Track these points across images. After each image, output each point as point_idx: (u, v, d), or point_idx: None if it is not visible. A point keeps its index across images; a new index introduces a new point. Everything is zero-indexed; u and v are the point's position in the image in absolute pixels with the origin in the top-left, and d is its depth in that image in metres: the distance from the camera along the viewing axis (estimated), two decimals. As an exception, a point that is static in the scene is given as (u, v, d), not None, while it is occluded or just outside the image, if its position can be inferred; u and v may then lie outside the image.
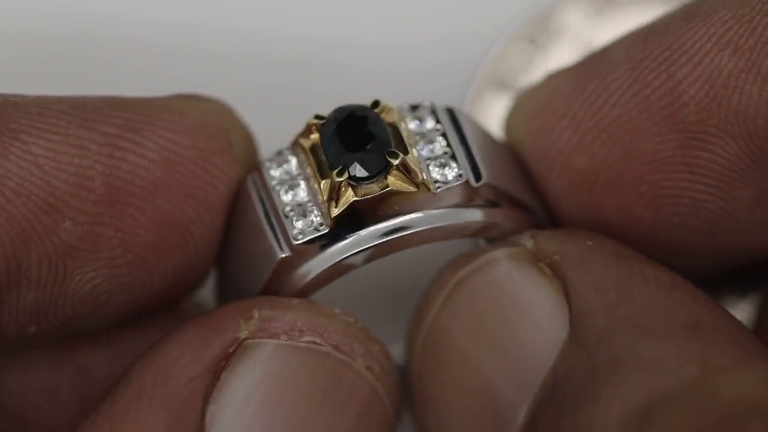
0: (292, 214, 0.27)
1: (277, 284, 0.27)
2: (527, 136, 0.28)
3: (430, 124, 0.27)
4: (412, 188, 0.26)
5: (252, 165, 0.28)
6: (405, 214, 0.27)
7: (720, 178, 0.26)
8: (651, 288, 0.25)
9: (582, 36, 0.34)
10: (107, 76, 0.32)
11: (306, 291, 0.27)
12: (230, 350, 0.26)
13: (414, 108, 0.27)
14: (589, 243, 0.26)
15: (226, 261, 0.28)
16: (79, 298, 0.27)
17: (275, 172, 0.27)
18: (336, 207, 0.26)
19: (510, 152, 0.29)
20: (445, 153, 0.27)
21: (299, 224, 0.27)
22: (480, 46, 0.34)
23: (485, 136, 0.28)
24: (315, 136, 0.27)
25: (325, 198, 0.26)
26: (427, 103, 0.27)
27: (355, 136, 0.26)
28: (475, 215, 0.27)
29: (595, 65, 0.27)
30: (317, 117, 0.27)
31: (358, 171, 0.26)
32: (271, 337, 0.26)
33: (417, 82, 0.34)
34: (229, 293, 0.29)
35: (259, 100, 0.30)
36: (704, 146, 0.26)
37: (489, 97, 0.34)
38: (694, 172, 0.27)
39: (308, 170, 0.27)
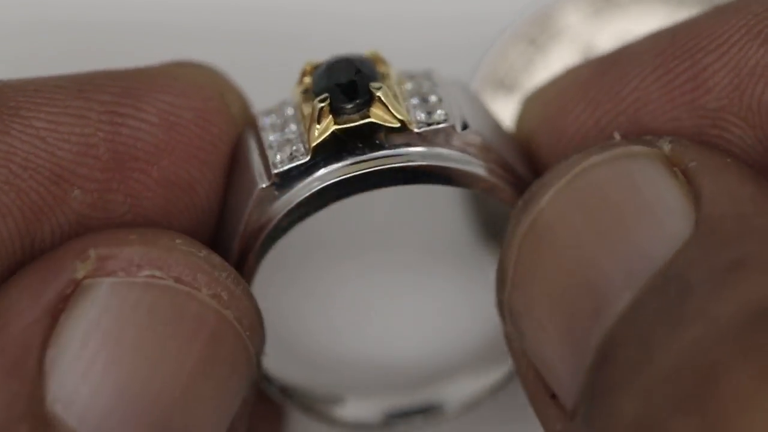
0: (275, 144, 0.27)
1: (259, 216, 0.27)
2: (541, 123, 0.28)
3: (426, 85, 0.28)
4: (394, 122, 0.26)
5: (246, 122, 0.28)
6: (385, 149, 0.27)
7: None
8: None
9: (582, 36, 0.34)
10: (98, 58, 0.32)
11: (285, 223, 0.27)
12: (68, 292, 0.26)
13: (413, 74, 0.28)
14: (729, 160, 0.26)
15: (223, 208, 0.29)
16: None
17: (268, 118, 0.28)
18: (316, 137, 0.26)
19: (506, 132, 0.29)
20: (438, 100, 0.27)
21: (280, 155, 0.27)
22: (479, 46, 0.34)
23: (483, 110, 0.29)
24: (308, 79, 0.27)
25: (306, 127, 0.27)
26: (427, 69, 0.28)
27: (344, 69, 0.27)
28: (454, 157, 0.27)
29: (618, 55, 0.28)
30: (311, 65, 0.27)
31: (341, 99, 0.26)
32: (108, 275, 0.26)
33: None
34: (222, 234, 0.29)
35: (253, 75, 0.30)
36: (721, 134, 0.27)
37: (488, 98, 0.34)
38: None
39: (298, 114, 0.27)
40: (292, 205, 0.27)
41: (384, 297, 0.34)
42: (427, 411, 0.31)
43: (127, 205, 0.27)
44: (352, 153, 0.27)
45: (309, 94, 0.27)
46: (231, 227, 0.28)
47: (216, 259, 0.27)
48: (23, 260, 0.26)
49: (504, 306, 0.27)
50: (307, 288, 0.34)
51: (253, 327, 0.27)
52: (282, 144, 0.27)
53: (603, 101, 0.27)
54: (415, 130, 0.27)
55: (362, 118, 0.26)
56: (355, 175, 0.27)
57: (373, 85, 0.27)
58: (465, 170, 0.27)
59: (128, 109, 0.27)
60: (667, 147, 0.26)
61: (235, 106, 0.28)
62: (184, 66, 0.29)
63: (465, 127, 0.27)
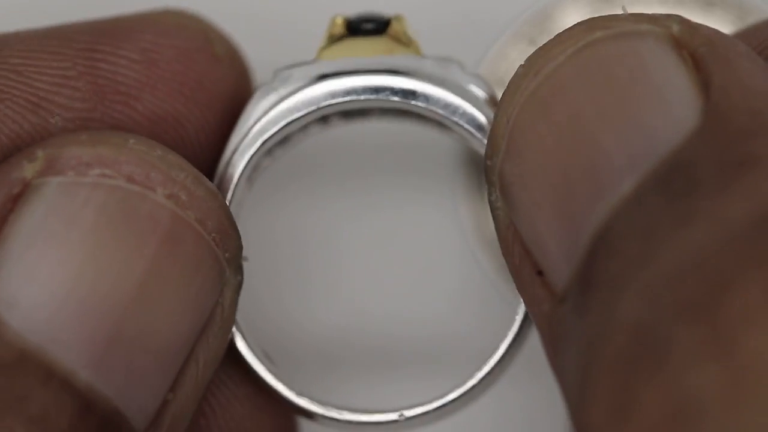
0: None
1: (255, 110, 0.28)
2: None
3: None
4: (405, 44, 0.28)
5: (236, 65, 0.29)
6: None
7: None
8: None
9: (582, 36, 0.34)
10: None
11: (280, 118, 0.28)
12: (15, 192, 0.25)
13: None
14: (741, 49, 0.25)
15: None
16: None
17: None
18: (326, 41, 0.28)
19: None
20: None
21: (288, 69, 0.28)
22: (479, 46, 0.34)
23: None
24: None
25: (323, 42, 0.28)
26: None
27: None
28: (451, 84, 0.28)
29: None
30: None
31: (359, 20, 0.28)
32: (56, 174, 0.25)
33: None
34: None
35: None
36: None
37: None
38: None
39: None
40: (288, 104, 0.28)
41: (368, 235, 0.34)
42: None
43: None
44: (358, 59, 0.28)
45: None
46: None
47: (174, 158, 0.26)
48: None
49: (493, 172, 0.26)
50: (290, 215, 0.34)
51: (222, 229, 0.27)
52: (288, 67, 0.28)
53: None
54: (421, 54, 0.28)
55: (375, 39, 0.28)
56: (354, 78, 0.27)
57: (393, 18, 0.28)
58: (455, 104, 0.28)
59: (107, 47, 0.27)
60: (676, 27, 0.26)
61: (220, 45, 0.29)
62: (167, 12, 0.29)
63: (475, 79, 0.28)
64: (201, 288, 0.26)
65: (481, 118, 0.28)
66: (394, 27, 0.28)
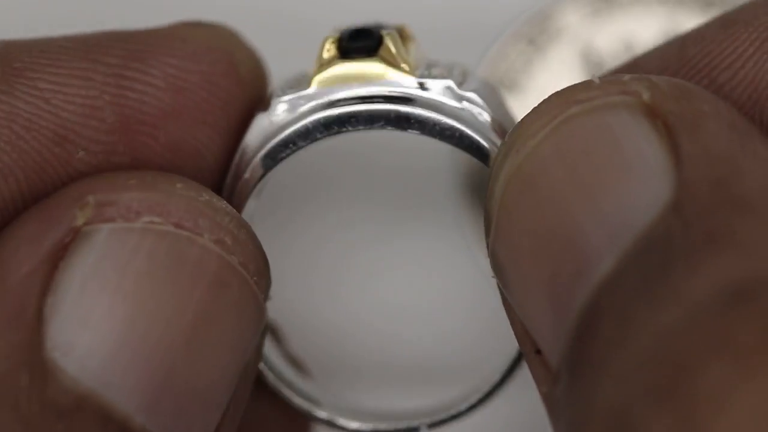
0: (281, 88, 0.28)
1: (255, 141, 0.28)
2: None
3: (437, 69, 0.28)
4: (398, 67, 0.27)
5: (259, 86, 0.28)
6: (383, 86, 0.27)
7: None
8: (761, 167, 0.24)
9: (581, 36, 0.34)
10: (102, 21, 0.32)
11: (280, 150, 0.27)
12: (67, 240, 0.25)
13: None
14: (706, 108, 0.25)
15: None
16: None
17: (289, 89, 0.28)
18: (319, 68, 0.27)
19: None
20: (445, 66, 0.28)
21: (286, 95, 0.27)
22: (478, 46, 0.34)
23: (497, 92, 0.29)
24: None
25: (315, 67, 0.27)
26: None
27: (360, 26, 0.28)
28: (447, 109, 0.27)
29: (630, 70, 0.27)
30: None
31: (350, 38, 0.27)
32: (106, 221, 0.26)
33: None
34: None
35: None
36: None
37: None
38: None
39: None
40: (287, 130, 0.27)
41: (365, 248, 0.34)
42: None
43: (133, 168, 0.27)
44: (350, 87, 0.27)
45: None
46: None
47: (219, 203, 0.27)
48: None
49: (489, 253, 0.27)
50: (290, 237, 0.34)
51: (260, 272, 0.27)
52: (288, 85, 0.28)
53: None
54: (415, 76, 0.27)
55: (369, 61, 0.27)
56: (348, 109, 0.27)
57: (385, 30, 0.27)
58: (452, 125, 0.27)
59: (134, 72, 0.27)
60: (646, 94, 0.26)
61: (245, 66, 0.28)
62: (193, 26, 0.28)
63: (472, 89, 0.27)
64: (245, 331, 0.27)
65: (481, 144, 0.27)
66: (387, 46, 0.27)
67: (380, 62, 0.27)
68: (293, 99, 0.27)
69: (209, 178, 0.28)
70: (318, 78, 0.27)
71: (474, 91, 0.27)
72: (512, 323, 0.27)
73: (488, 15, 0.34)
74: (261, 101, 0.28)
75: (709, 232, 0.23)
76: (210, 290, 0.26)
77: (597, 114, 0.26)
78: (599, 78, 0.26)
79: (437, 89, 0.27)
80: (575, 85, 0.26)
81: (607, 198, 0.25)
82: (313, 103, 0.27)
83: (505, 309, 0.27)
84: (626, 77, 0.26)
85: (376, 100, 0.27)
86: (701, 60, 0.27)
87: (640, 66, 0.28)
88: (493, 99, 0.28)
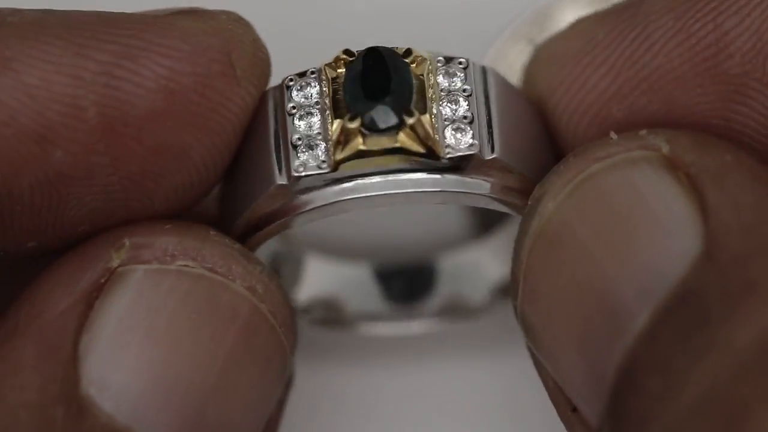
0: (299, 143, 0.27)
1: (267, 209, 0.27)
2: (558, 86, 0.28)
3: (458, 82, 0.27)
4: (420, 149, 0.26)
5: (259, 82, 0.28)
6: (409, 172, 0.27)
7: (756, 133, 0.26)
8: None
9: (581, 36, 0.34)
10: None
11: (290, 222, 0.27)
12: (102, 281, 0.26)
13: (448, 61, 0.27)
14: (728, 158, 0.26)
15: (233, 169, 0.28)
16: (76, 220, 0.27)
17: (296, 96, 0.27)
18: (342, 151, 0.26)
19: (538, 119, 0.28)
20: (465, 117, 0.27)
21: (303, 156, 0.27)
22: (480, 45, 0.34)
23: (514, 102, 0.28)
24: (341, 70, 0.27)
25: (333, 138, 0.26)
26: (462, 60, 0.27)
27: (378, 82, 0.26)
28: (480, 187, 0.27)
29: (635, 14, 0.27)
30: (346, 52, 0.27)
31: (371, 122, 0.26)
32: (142, 263, 0.26)
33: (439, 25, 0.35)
34: (226, 202, 0.29)
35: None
36: (744, 100, 0.26)
37: (513, 53, 0.34)
38: (733, 126, 0.26)
39: (326, 101, 0.27)
40: (303, 210, 0.27)
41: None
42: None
43: (113, 167, 0.26)
44: (374, 172, 0.27)
45: (339, 87, 0.27)
46: (236, 200, 0.28)
47: (250, 252, 0.27)
48: (0, 210, 0.26)
49: (518, 314, 0.27)
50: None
51: (287, 324, 0.27)
52: (306, 143, 0.27)
53: (623, 69, 0.27)
54: (442, 157, 0.27)
55: (390, 143, 0.26)
56: (371, 196, 0.27)
57: (407, 111, 0.26)
58: (480, 195, 0.27)
59: (125, 72, 0.26)
60: (666, 148, 0.26)
61: (244, 65, 0.27)
62: (192, 18, 0.27)
63: (492, 150, 0.27)
64: (271, 379, 0.27)
65: (497, 196, 0.28)
66: (410, 125, 0.26)
67: (403, 145, 0.26)
68: (315, 177, 0.27)
69: (195, 175, 0.27)
70: (339, 158, 0.26)
71: (501, 146, 0.27)
72: (544, 382, 0.27)
73: (488, 15, 0.35)
74: (262, 110, 0.27)
75: (746, 279, 0.23)
76: (241, 336, 0.26)
77: (618, 170, 0.26)
78: (616, 134, 0.27)
79: (463, 166, 0.27)
80: (593, 143, 0.27)
81: (636, 253, 0.25)
82: (338, 189, 0.27)
83: (536, 368, 0.27)
84: (643, 132, 0.26)
85: (395, 195, 0.27)
86: (708, 4, 0.26)
87: (646, 8, 0.27)
88: (502, 97, 0.28)
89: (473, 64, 0.27)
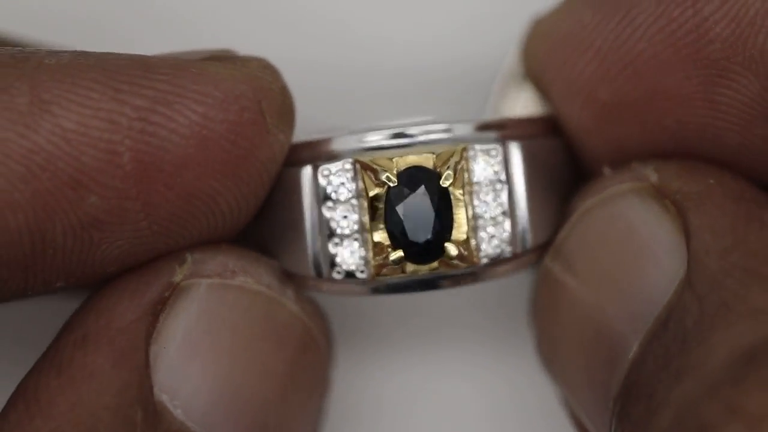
0: (336, 241, 0.28)
1: (300, 281, 0.28)
2: (550, 67, 0.29)
3: (490, 172, 0.28)
4: (458, 266, 0.27)
5: (287, 130, 0.28)
6: (446, 278, 0.28)
7: (741, 115, 0.27)
8: (767, 234, 0.25)
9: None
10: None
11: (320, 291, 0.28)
12: (166, 294, 0.27)
13: (481, 150, 0.28)
14: (712, 181, 0.27)
15: (263, 222, 0.29)
16: (106, 262, 0.27)
17: (331, 185, 0.28)
18: (381, 274, 0.27)
19: (565, 162, 0.29)
20: (503, 213, 0.28)
21: (340, 259, 0.28)
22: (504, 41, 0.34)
23: (545, 174, 0.29)
24: (382, 190, 0.27)
25: (373, 259, 0.27)
26: (494, 148, 0.28)
27: (419, 216, 0.27)
28: (509, 266, 0.28)
29: None
30: (388, 178, 0.27)
31: (413, 257, 0.27)
32: (204, 277, 0.27)
33: (442, 80, 0.35)
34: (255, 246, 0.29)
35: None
36: (728, 83, 0.27)
37: (514, 93, 0.34)
38: (717, 108, 0.27)
39: (363, 202, 0.28)
40: (339, 294, 0.28)
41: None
42: None
43: (144, 213, 0.27)
44: (412, 285, 0.28)
45: (380, 209, 0.27)
46: (265, 252, 0.29)
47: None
48: (32, 254, 0.26)
49: (537, 353, 0.28)
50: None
51: (329, 344, 0.28)
52: (343, 241, 0.27)
53: (610, 52, 0.28)
54: (478, 263, 0.27)
55: (430, 270, 0.27)
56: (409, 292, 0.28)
57: (447, 246, 0.27)
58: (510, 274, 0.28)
59: (161, 117, 0.26)
60: (654, 177, 0.27)
61: (273, 113, 0.27)
62: (224, 64, 0.27)
63: (526, 243, 0.28)
64: (320, 396, 0.28)
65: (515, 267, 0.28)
66: (448, 253, 0.27)
67: (443, 270, 0.27)
68: (353, 281, 0.27)
69: (221, 222, 0.28)
70: (379, 274, 0.27)
71: (535, 236, 0.28)
72: (567, 413, 0.28)
73: (512, 10, 0.34)
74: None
75: (721, 301, 0.24)
76: (296, 352, 0.28)
77: (610, 204, 0.27)
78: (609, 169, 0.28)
79: (499, 266, 0.28)
80: (592, 181, 0.28)
81: (628, 283, 0.26)
82: (375, 295, 0.28)
83: (561, 401, 0.29)
84: (634, 164, 0.27)
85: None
86: None
87: None
88: (534, 177, 0.28)
89: (505, 147, 0.28)
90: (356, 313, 0.34)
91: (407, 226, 0.27)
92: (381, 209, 0.27)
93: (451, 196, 0.27)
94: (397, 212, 0.27)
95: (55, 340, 0.27)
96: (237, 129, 0.27)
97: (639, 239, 0.26)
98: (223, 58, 0.28)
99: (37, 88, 0.25)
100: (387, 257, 0.27)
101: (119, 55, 0.27)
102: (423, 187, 0.27)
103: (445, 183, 0.27)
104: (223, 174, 0.27)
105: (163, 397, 0.26)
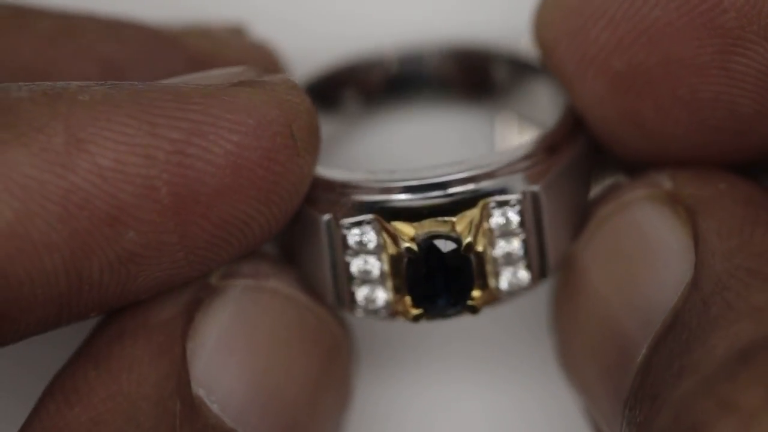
0: (358, 283, 0.28)
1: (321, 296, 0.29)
2: (563, 37, 0.28)
3: (503, 220, 0.28)
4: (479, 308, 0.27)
5: (316, 151, 0.28)
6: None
7: (756, 83, 0.27)
8: None
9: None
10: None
11: None
12: (201, 295, 0.27)
13: (501, 204, 0.27)
14: (722, 186, 0.27)
15: (285, 237, 0.29)
16: (140, 291, 0.27)
17: (352, 236, 0.28)
18: (401, 313, 0.27)
19: (575, 215, 0.29)
20: (521, 257, 0.28)
21: (362, 298, 0.28)
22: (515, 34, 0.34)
23: (565, 200, 0.29)
24: (401, 261, 0.27)
25: (393, 306, 0.27)
26: (514, 199, 0.27)
27: (439, 282, 0.27)
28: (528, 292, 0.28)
29: None
30: (408, 249, 0.27)
31: (435, 314, 0.27)
32: (241, 277, 0.28)
33: None
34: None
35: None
36: (743, 52, 0.27)
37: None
38: (732, 77, 0.27)
39: (384, 256, 0.27)
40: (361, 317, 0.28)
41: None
42: None
43: (180, 245, 0.27)
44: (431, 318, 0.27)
45: (401, 264, 0.27)
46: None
47: None
48: (69, 292, 0.26)
49: (559, 363, 0.29)
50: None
51: (355, 355, 0.29)
52: (364, 282, 0.28)
53: (624, 20, 0.27)
54: (499, 299, 0.27)
55: (454, 314, 0.27)
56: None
57: (469, 304, 0.27)
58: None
59: (197, 149, 0.26)
60: (668, 184, 0.27)
61: (303, 135, 0.27)
62: (255, 88, 0.27)
63: (545, 273, 0.28)
64: (345, 404, 0.29)
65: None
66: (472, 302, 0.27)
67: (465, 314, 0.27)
68: (373, 315, 0.27)
69: (252, 245, 0.28)
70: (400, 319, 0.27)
71: (554, 267, 0.28)
72: (588, 421, 0.29)
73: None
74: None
75: (724, 303, 0.25)
76: (325, 358, 0.28)
77: (624, 211, 0.27)
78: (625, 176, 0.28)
79: (517, 292, 0.28)
80: (608, 187, 0.28)
81: (638, 289, 0.26)
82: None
83: (583, 412, 0.29)
84: (650, 171, 0.28)
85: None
86: None
87: None
88: (553, 220, 0.28)
89: (526, 196, 0.27)
90: (370, 331, 0.33)
91: (428, 292, 0.27)
92: (403, 273, 0.27)
93: (472, 257, 0.27)
94: (418, 281, 0.27)
95: (90, 337, 0.27)
96: (270, 155, 0.27)
97: (650, 245, 0.27)
98: (252, 83, 0.27)
99: (73, 128, 0.25)
100: (408, 313, 0.27)
101: (151, 85, 0.27)
102: (444, 255, 0.27)
103: (464, 242, 0.27)
104: (257, 200, 0.27)
105: (201, 392, 0.26)
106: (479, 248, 0.27)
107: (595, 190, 0.30)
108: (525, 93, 0.33)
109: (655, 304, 0.26)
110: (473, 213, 0.27)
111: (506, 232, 0.27)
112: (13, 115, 0.25)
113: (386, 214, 0.27)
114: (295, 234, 0.29)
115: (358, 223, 0.28)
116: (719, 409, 0.23)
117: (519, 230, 0.28)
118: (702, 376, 0.24)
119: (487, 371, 0.33)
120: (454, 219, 0.27)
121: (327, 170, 0.28)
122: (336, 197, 0.28)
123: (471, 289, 0.27)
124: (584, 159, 0.29)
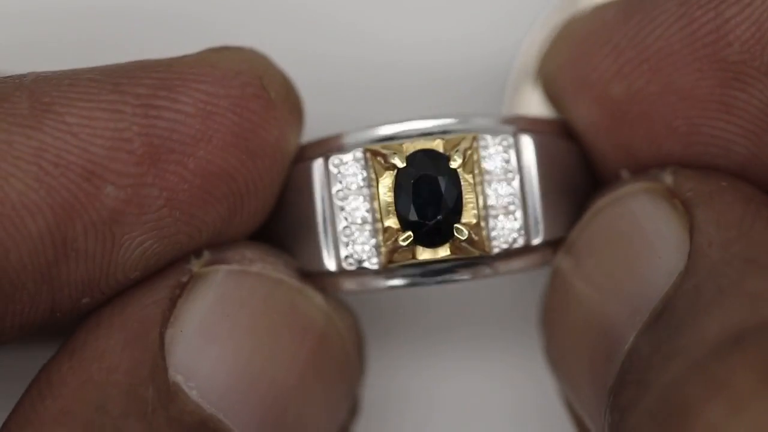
0: (348, 233, 0.27)
1: (316, 279, 0.28)
2: (566, 64, 0.29)
3: (501, 160, 0.28)
4: (470, 253, 0.27)
5: (293, 107, 0.28)
6: (459, 269, 0.27)
7: (755, 121, 0.27)
8: None
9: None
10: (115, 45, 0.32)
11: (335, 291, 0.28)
12: (184, 280, 0.27)
13: (492, 140, 0.28)
14: (724, 183, 0.27)
15: (278, 227, 0.29)
16: (129, 265, 0.27)
17: (341, 178, 0.27)
18: (392, 254, 0.27)
19: (578, 161, 0.29)
20: (512, 204, 0.27)
21: (351, 248, 0.27)
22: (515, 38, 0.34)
23: (558, 164, 0.28)
24: (390, 177, 0.27)
25: (384, 246, 0.27)
26: (507, 139, 0.28)
27: (429, 201, 0.27)
28: (531, 264, 0.28)
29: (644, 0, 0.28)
30: (397, 161, 0.27)
31: (423, 241, 0.27)
32: (223, 263, 0.27)
33: (457, 78, 0.34)
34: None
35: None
36: (743, 87, 0.27)
37: (528, 91, 0.34)
38: (731, 112, 0.27)
39: (374, 191, 0.27)
40: (351, 290, 0.28)
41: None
42: None
43: (163, 198, 0.27)
44: (425, 275, 0.27)
45: (387, 190, 0.27)
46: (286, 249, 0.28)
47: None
48: (56, 261, 0.26)
49: (544, 354, 0.28)
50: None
51: (356, 347, 0.28)
52: (354, 232, 0.27)
53: (626, 48, 0.27)
54: (490, 253, 0.27)
55: (442, 252, 0.27)
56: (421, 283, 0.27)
57: (457, 229, 0.27)
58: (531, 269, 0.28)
59: (164, 101, 0.26)
60: (669, 180, 0.27)
61: (275, 88, 0.28)
62: (220, 51, 0.28)
63: (539, 231, 0.27)
64: (340, 395, 0.28)
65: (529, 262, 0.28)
66: (457, 239, 0.27)
67: (453, 255, 0.27)
68: (365, 270, 0.27)
69: (242, 200, 0.28)
70: (389, 264, 0.27)
71: (547, 228, 0.28)
72: (569, 414, 0.28)
73: (522, 6, 0.34)
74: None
75: (718, 288, 0.24)
76: (317, 344, 0.27)
77: (620, 203, 0.27)
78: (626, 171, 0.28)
79: (511, 257, 0.27)
80: (610, 184, 0.28)
81: (628, 279, 0.26)
82: (388, 283, 0.28)
83: (563, 402, 0.29)
84: (654, 170, 0.27)
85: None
86: None
87: None
88: (546, 169, 0.28)
89: (517, 138, 0.28)
90: (375, 314, 0.33)
91: (416, 205, 0.27)
92: (392, 200, 0.27)
93: (462, 181, 0.27)
94: (406, 193, 0.27)
95: (72, 332, 0.27)
96: (241, 102, 0.27)
97: (643, 235, 0.27)
98: (217, 48, 0.28)
99: (37, 93, 0.26)
100: (397, 241, 0.27)
101: (115, 63, 0.27)
102: (432, 167, 0.27)
103: (453, 164, 0.27)
104: (235, 148, 0.27)
105: (178, 378, 0.26)
106: (468, 175, 0.27)
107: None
108: None
109: (644, 294, 0.26)
110: (463, 139, 0.27)
111: (496, 171, 0.28)
112: None
113: (376, 145, 0.28)
114: (287, 212, 0.29)
115: (349, 161, 0.28)
116: (709, 391, 0.23)
117: (509, 172, 0.28)
118: (692, 358, 0.23)
119: (483, 349, 0.34)
120: (443, 140, 0.27)
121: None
122: (327, 147, 0.28)
123: (461, 210, 0.27)
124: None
